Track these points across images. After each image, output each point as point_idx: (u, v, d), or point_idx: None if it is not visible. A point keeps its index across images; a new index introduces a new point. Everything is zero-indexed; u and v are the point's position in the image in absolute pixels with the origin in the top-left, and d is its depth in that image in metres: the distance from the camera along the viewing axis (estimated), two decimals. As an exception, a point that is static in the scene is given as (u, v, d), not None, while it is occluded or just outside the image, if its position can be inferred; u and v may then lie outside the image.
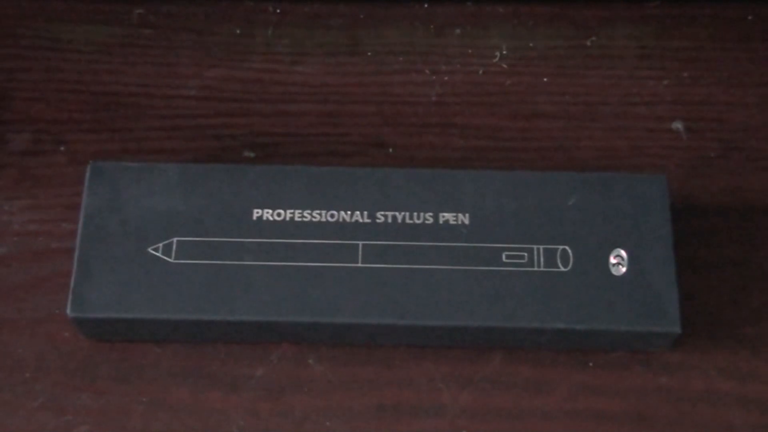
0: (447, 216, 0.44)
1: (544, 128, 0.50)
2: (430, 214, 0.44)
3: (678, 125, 0.50)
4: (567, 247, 0.44)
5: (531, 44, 0.52)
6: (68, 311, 0.42)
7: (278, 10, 0.52)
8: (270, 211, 0.44)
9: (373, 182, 0.45)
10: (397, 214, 0.44)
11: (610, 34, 0.52)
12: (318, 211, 0.44)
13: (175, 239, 0.43)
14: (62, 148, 0.49)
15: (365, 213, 0.44)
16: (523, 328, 0.43)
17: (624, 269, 0.43)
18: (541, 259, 0.43)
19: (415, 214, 0.44)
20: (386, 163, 0.49)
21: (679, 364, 0.45)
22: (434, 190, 0.45)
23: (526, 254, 0.43)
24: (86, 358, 0.45)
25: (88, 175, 0.45)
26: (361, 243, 0.44)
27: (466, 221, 0.44)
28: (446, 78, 0.51)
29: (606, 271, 0.43)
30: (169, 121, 0.50)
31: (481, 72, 0.51)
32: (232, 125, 0.50)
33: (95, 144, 0.49)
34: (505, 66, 0.51)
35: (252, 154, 0.49)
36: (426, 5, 0.53)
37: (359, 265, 0.43)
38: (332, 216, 0.44)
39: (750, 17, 0.52)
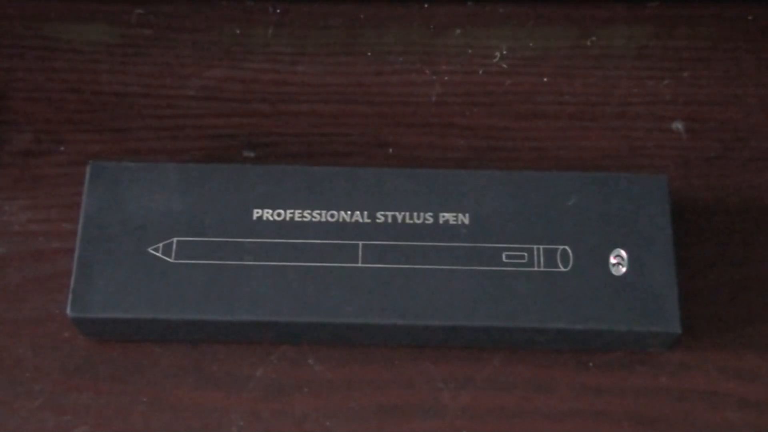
0: (447, 216, 0.44)
1: (544, 128, 0.50)
2: (430, 214, 0.44)
3: (678, 125, 0.50)
4: (567, 247, 0.44)
5: (531, 44, 0.52)
6: (68, 311, 0.42)
7: (278, 10, 0.52)
8: (270, 211, 0.44)
9: (373, 182, 0.45)
10: (397, 214, 0.44)
11: (610, 34, 0.52)
12: (318, 211, 0.44)
13: (175, 239, 0.43)
14: (62, 148, 0.49)
15: (365, 213, 0.44)
16: (523, 328, 0.43)
17: (624, 269, 0.43)
18: (541, 259, 0.43)
19: (415, 214, 0.44)
20: (386, 163, 0.49)
21: (679, 364, 0.45)
22: (434, 190, 0.44)
23: (526, 254, 0.43)
24: (86, 358, 0.45)
25: (88, 175, 0.45)
26: (361, 243, 0.44)
27: (466, 221, 0.44)
28: (446, 78, 0.51)
29: (606, 271, 0.43)
30: (169, 121, 0.50)
31: (481, 72, 0.51)
32: (232, 125, 0.50)
33: (95, 144, 0.49)
34: (505, 66, 0.51)
35: (252, 154, 0.49)
36: (426, 5, 0.53)
37: (359, 265, 0.43)
38: (332, 216, 0.44)
39: (750, 17, 0.52)
